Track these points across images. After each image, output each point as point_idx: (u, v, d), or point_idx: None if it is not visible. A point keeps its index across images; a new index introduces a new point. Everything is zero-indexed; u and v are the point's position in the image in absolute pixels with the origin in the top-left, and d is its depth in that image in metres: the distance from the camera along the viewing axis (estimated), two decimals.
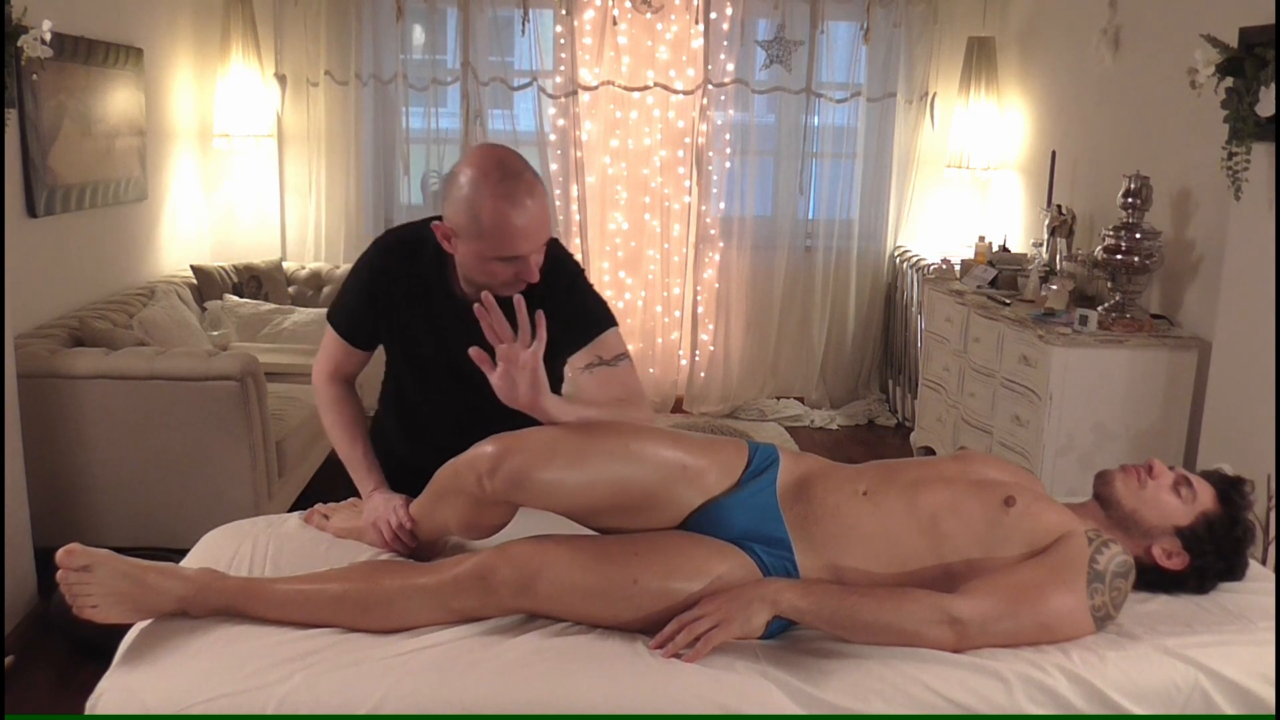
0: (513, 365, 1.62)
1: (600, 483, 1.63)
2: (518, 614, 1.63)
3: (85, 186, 3.77)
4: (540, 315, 1.63)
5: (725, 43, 5.02)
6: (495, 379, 1.63)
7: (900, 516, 1.68)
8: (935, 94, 5.14)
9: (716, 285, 5.32)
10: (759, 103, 5.20)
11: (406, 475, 1.93)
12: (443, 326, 1.91)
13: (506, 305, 1.82)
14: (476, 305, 1.62)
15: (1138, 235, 3.37)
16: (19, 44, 2.72)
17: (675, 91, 5.05)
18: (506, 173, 1.70)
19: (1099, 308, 3.45)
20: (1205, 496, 1.75)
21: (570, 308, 1.86)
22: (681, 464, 1.68)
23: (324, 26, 4.90)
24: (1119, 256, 3.37)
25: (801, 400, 5.44)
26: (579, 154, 5.05)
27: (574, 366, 1.87)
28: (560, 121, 5.06)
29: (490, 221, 1.69)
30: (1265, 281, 2.75)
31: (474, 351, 1.63)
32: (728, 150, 5.16)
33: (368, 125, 5.08)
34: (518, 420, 1.69)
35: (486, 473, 1.60)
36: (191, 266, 4.56)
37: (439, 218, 1.83)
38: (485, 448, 1.63)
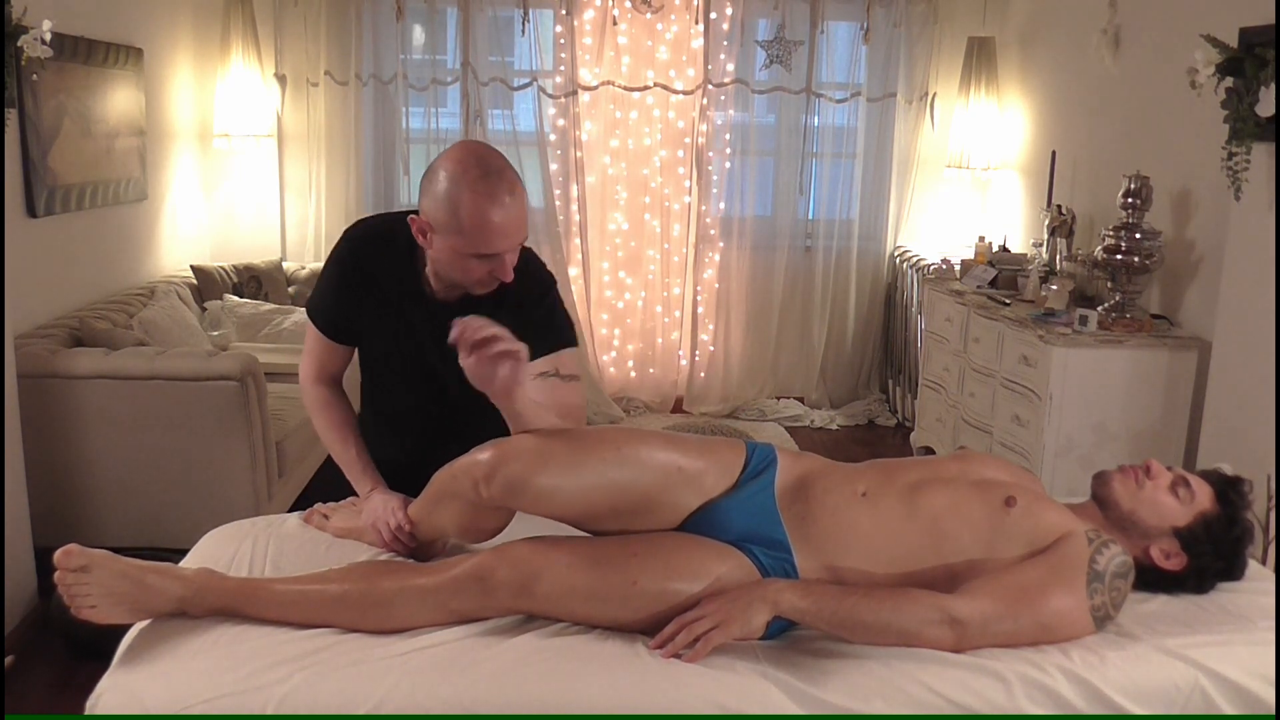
0: (491, 352, 1.58)
1: (597, 487, 1.63)
2: (516, 615, 1.63)
3: (85, 186, 3.77)
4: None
5: (725, 43, 5.01)
6: (472, 363, 1.59)
7: (900, 517, 1.68)
8: (935, 94, 5.14)
9: (716, 285, 5.32)
10: (759, 103, 5.20)
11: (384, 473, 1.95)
12: (411, 323, 1.91)
13: (479, 305, 1.83)
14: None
15: (1138, 235, 3.37)
16: (19, 44, 2.71)
17: (675, 91, 5.05)
18: (488, 170, 1.70)
19: (1099, 308, 3.45)
20: (1203, 497, 1.74)
21: (540, 315, 1.89)
22: (678, 466, 1.67)
23: (324, 26, 4.90)
24: (1119, 256, 3.37)
25: (801, 400, 5.44)
26: (579, 154, 5.05)
27: (530, 370, 1.85)
28: (560, 121, 5.06)
29: (470, 218, 1.69)
30: (1265, 281, 2.75)
31: (460, 324, 1.59)
32: (728, 150, 5.16)
33: (368, 125, 5.08)
34: (485, 419, 1.71)
35: (483, 479, 1.60)
36: (191, 266, 4.56)
37: (412, 212, 1.83)
38: (481, 454, 1.62)
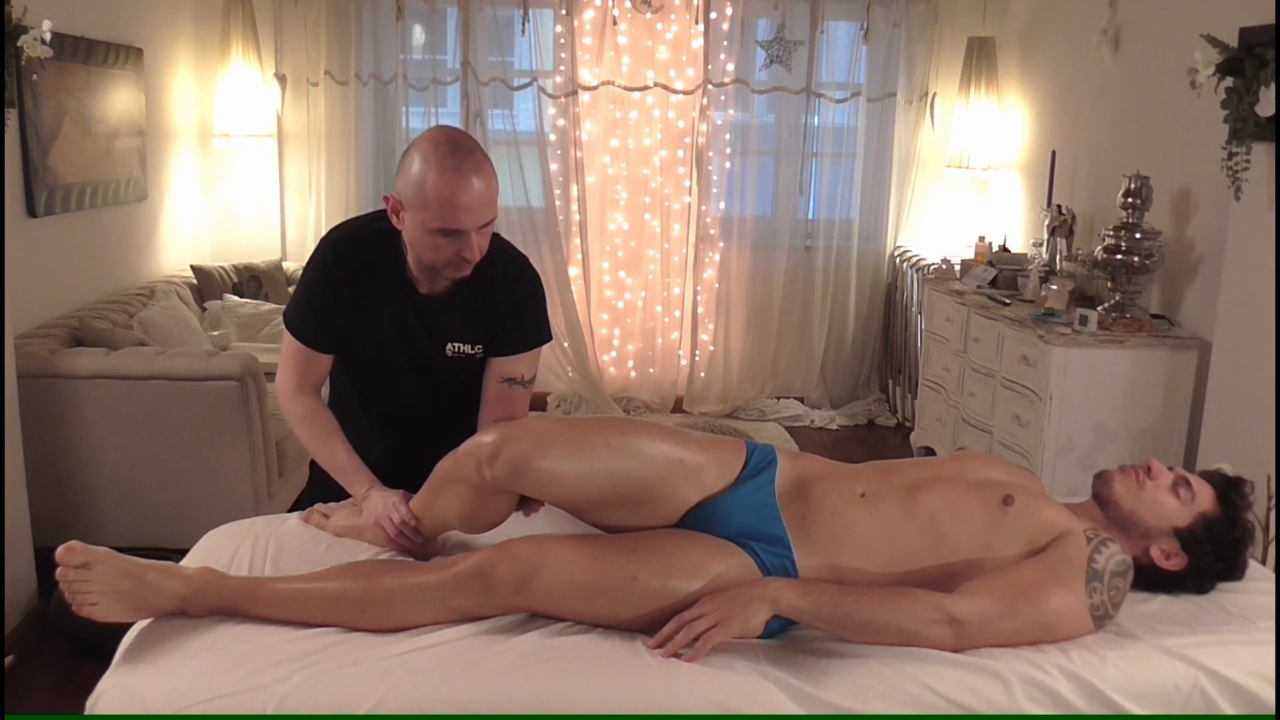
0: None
1: (599, 473, 1.64)
2: (517, 612, 1.63)
3: (85, 186, 3.77)
4: None
5: (725, 43, 5.01)
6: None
7: (899, 517, 1.68)
8: (935, 94, 5.14)
9: (716, 285, 5.32)
10: (759, 103, 5.20)
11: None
12: (398, 314, 1.93)
13: (463, 298, 1.89)
14: None
15: (1138, 235, 3.37)
16: (19, 44, 2.72)
17: (675, 91, 5.05)
18: (456, 148, 1.74)
19: (1099, 308, 3.45)
20: (1204, 497, 1.74)
21: (524, 315, 1.95)
22: (680, 459, 1.68)
23: (324, 26, 4.90)
24: (1119, 256, 3.37)
25: (801, 400, 5.44)
26: (579, 154, 5.05)
27: (496, 375, 1.94)
28: (560, 121, 5.06)
29: (435, 191, 1.72)
30: (1265, 281, 2.75)
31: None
32: (728, 150, 5.16)
33: (368, 125, 5.08)
34: (469, 415, 1.81)
35: (487, 460, 1.62)
36: (191, 266, 4.56)
37: (384, 211, 1.88)
38: (485, 437, 1.66)
